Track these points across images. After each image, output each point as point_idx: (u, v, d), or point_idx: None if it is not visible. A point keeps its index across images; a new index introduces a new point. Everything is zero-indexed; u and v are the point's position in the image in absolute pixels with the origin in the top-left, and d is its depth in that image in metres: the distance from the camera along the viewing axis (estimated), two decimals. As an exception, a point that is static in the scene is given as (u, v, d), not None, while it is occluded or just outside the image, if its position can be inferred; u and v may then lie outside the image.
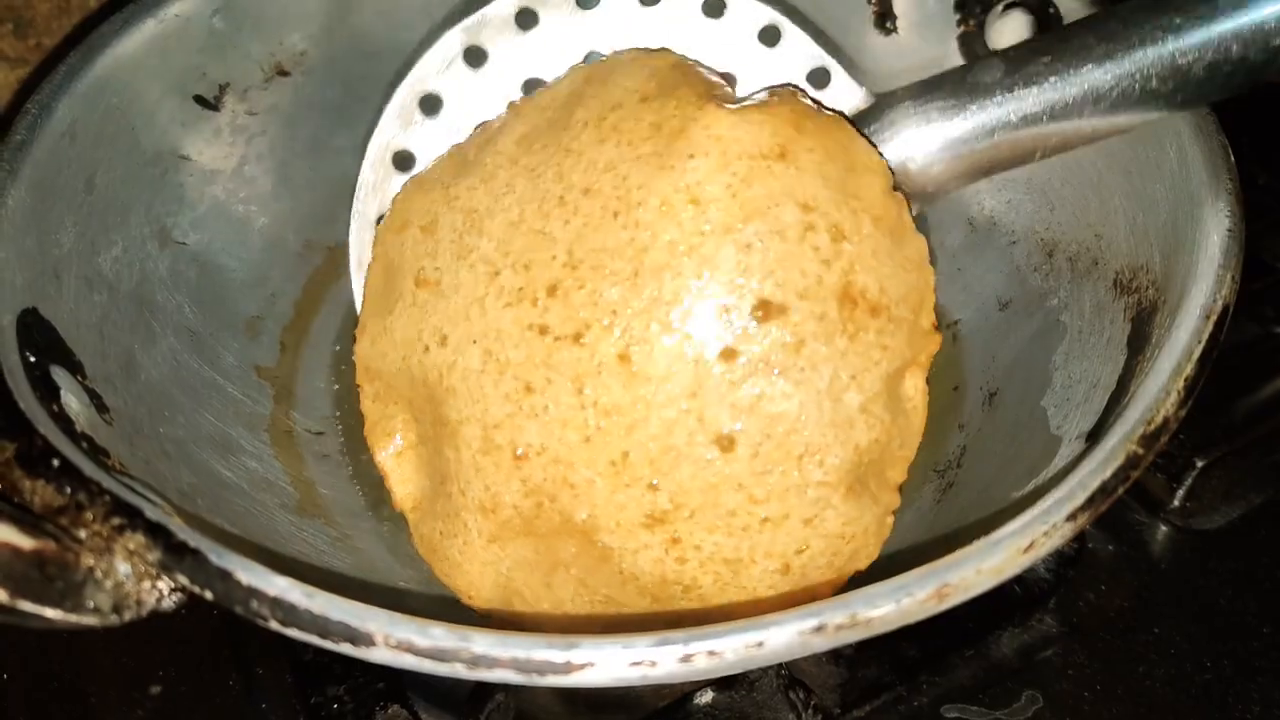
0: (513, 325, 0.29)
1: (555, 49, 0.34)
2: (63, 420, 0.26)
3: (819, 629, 0.21)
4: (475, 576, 0.31)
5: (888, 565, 0.30)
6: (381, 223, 0.35)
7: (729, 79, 0.34)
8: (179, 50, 0.37)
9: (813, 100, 0.32)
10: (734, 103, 0.30)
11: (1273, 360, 0.43)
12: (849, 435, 0.29)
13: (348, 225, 0.42)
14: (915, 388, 0.31)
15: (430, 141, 0.35)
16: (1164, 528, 0.39)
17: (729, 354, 0.28)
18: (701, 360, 0.28)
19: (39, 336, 0.28)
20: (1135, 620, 0.37)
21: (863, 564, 0.30)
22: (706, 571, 0.29)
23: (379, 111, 0.35)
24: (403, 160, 0.35)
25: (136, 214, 0.36)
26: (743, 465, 0.28)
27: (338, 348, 0.40)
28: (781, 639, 0.21)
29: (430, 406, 0.31)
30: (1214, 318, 0.26)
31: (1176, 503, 0.39)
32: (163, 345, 0.35)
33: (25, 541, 0.20)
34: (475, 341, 0.30)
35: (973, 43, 0.41)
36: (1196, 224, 0.29)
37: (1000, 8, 0.40)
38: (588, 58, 0.34)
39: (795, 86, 0.33)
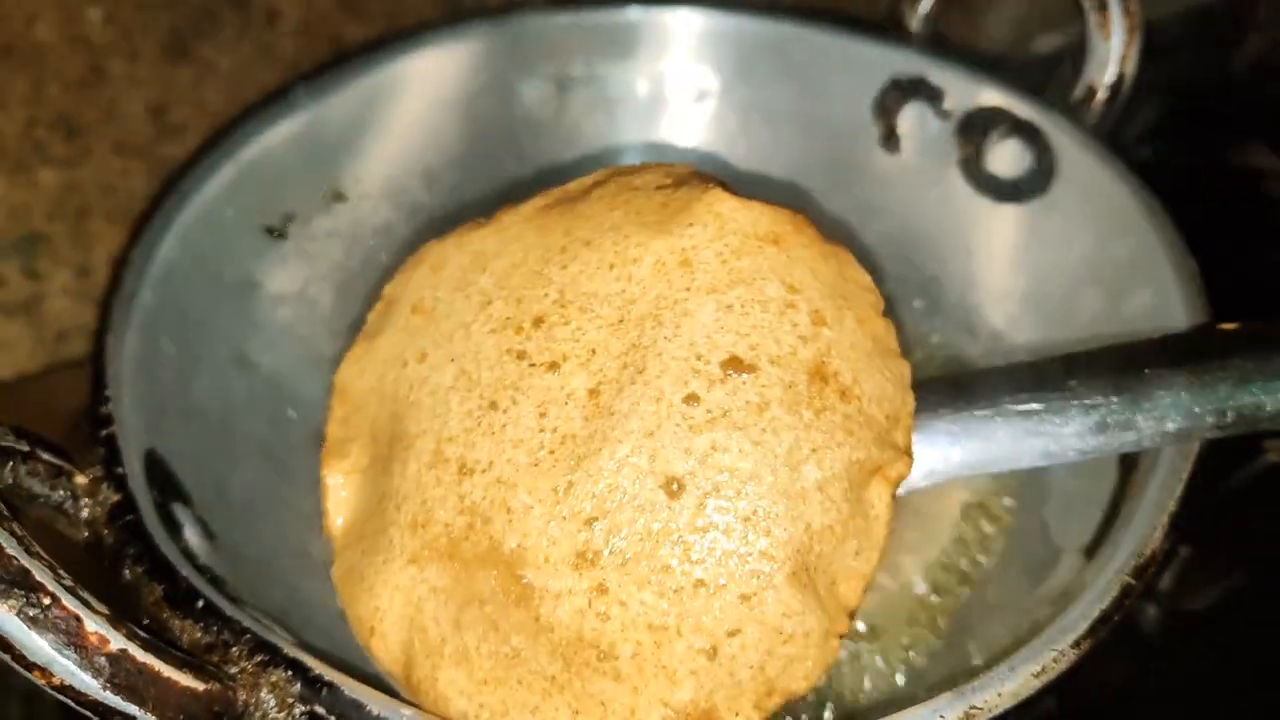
0: (493, 349, 0.31)
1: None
2: (190, 557, 0.29)
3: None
4: (383, 601, 0.30)
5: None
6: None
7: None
8: (253, 187, 0.41)
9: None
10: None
11: (1249, 446, 0.46)
12: (801, 510, 0.28)
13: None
14: (880, 498, 0.29)
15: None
16: (1153, 610, 0.42)
17: (692, 399, 0.28)
18: (664, 401, 0.28)
19: (158, 475, 0.32)
20: (1131, 698, 0.40)
21: (799, 683, 0.28)
22: (628, 638, 0.28)
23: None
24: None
25: (219, 344, 0.39)
26: (686, 516, 0.28)
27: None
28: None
29: (392, 424, 0.32)
30: (1192, 458, 0.29)
31: (1164, 587, 0.43)
32: (245, 467, 0.38)
33: (199, 685, 0.23)
34: (453, 360, 0.31)
35: (973, 167, 0.45)
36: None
37: (996, 135, 0.44)
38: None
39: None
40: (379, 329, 0.34)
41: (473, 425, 0.30)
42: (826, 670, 0.28)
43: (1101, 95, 0.43)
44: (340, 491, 0.33)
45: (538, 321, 0.30)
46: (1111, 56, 0.42)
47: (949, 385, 0.33)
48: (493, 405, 0.30)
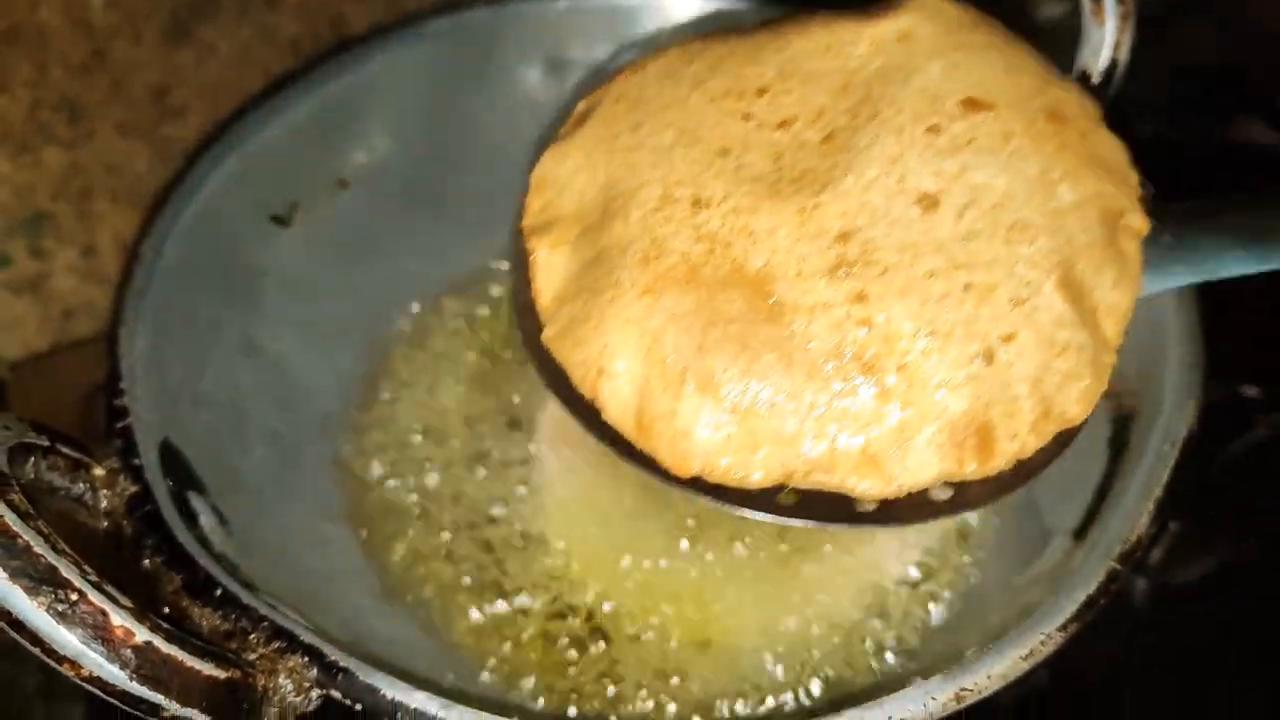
0: (715, 113, 0.29)
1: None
2: (207, 545, 0.30)
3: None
4: (613, 337, 0.28)
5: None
6: None
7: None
8: (258, 178, 0.42)
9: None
10: None
11: (1239, 420, 0.47)
12: (1061, 224, 0.27)
13: (401, 321, 0.47)
14: (1128, 244, 0.28)
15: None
16: (1143, 583, 0.43)
17: (934, 129, 0.28)
18: (906, 133, 0.28)
19: (173, 464, 0.33)
20: (1122, 671, 0.40)
21: (1075, 407, 0.27)
22: (893, 348, 0.26)
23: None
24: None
25: (227, 331, 0.40)
26: (946, 228, 0.27)
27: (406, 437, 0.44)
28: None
29: (605, 192, 0.30)
30: (1178, 445, 0.30)
31: (1154, 561, 0.43)
32: (255, 452, 0.38)
33: (221, 673, 0.24)
34: (671, 125, 0.30)
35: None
36: (1163, 349, 0.34)
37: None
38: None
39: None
40: (578, 125, 0.32)
41: (702, 170, 0.28)
42: (1100, 397, 0.27)
43: (1095, 81, 0.43)
44: (549, 264, 0.30)
45: (761, 91, 0.30)
46: (1105, 42, 0.42)
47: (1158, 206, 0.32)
48: (723, 152, 0.29)
